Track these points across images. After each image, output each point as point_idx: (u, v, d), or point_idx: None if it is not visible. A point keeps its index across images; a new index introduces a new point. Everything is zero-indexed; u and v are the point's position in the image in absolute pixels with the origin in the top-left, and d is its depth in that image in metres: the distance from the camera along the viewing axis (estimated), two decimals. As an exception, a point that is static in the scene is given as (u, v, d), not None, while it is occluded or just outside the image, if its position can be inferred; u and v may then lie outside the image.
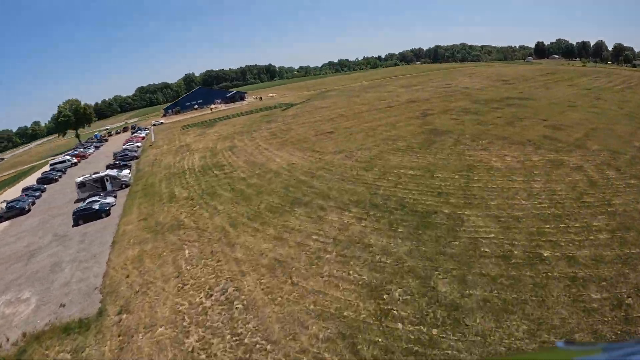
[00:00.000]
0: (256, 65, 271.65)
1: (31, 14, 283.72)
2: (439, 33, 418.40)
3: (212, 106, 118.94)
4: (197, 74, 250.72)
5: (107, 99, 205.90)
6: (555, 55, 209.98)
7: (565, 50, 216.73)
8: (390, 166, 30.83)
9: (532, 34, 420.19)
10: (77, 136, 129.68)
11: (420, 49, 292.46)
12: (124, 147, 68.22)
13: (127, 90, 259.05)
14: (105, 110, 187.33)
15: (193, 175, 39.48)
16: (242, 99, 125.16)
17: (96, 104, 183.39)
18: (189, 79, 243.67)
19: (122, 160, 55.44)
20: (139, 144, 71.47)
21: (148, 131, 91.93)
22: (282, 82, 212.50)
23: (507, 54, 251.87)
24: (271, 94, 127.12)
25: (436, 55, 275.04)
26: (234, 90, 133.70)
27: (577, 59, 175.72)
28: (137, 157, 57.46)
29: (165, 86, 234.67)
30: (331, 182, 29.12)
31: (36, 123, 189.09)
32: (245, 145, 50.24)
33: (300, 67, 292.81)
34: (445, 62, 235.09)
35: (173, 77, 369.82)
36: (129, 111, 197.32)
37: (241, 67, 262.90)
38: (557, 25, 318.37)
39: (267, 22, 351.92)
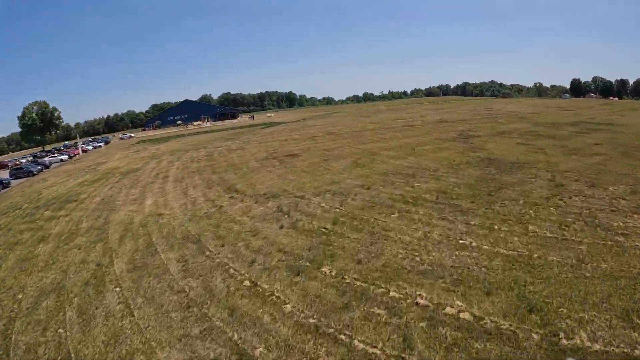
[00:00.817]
0: (276, 91, 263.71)
1: (52, 25, 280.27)
2: (467, 71, 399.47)
3: (197, 122, 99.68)
4: (214, 96, 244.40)
5: (119, 113, 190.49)
6: (592, 94, 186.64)
7: (603, 88, 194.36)
8: (394, 266, 9.88)
9: (564, 73, 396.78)
10: (42, 143, 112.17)
11: (447, 86, 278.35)
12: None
13: (143, 106, 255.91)
14: (116, 124, 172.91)
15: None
16: (233, 117, 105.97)
17: (107, 117, 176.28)
18: (205, 100, 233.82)
19: (15, 175, 43.23)
20: (64, 157, 58.46)
21: (99, 144, 73.87)
22: (299, 108, 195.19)
23: (540, 92, 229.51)
24: (270, 114, 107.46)
25: (464, 91, 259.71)
26: (225, 107, 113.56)
27: (616, 97, 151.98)
28: (33, 174, 43.85)
29: (183, 104, 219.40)
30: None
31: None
32: (155, 170, 30.18)
33: (323, 98, 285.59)
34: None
35: (190, 96, 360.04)
36: (139, 127, 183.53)
37: (261, 92, 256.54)
38: (592, 63, 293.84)
39: (290, 51, 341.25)
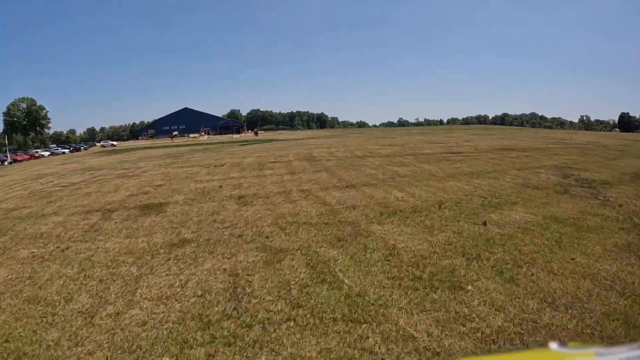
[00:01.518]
0: (307, 112, 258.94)
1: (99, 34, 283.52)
2: (506, 102, 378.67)
3: (193, 135, 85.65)
4: (243, 112, 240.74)
5: (145, 121, 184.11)
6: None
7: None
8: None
9: (606, 107, 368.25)
10: (24, 144, 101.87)
11: (485, 116, 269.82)
12: None
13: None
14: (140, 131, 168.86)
15: None
16: (237, 131, 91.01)
17: (133, 124, 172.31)
18: (233, 115, 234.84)
19: None
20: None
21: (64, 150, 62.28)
22: (328, 130, 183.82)
23: (587, 125, 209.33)
24: (281, 131, 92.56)
25: (503, 123, 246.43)
26: (228, 120, 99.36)
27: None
28: None
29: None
30: None
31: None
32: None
33: (356, 122, 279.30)
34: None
35: (218, 110, 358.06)
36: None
37: (291, 111, 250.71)
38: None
39: (324, 73, 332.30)
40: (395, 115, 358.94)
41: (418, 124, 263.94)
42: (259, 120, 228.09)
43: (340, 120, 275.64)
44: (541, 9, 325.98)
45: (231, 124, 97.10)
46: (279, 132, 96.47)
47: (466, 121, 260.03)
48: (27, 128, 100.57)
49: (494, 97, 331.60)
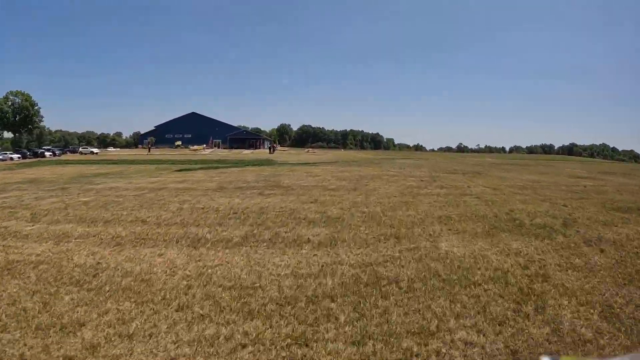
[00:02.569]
0: (361, 131, 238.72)
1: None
2: (574, 130, 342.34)
3: (195, 147, 67.91)
4: (294, 127, 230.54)
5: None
6: None
7: None
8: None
9: None
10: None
11: (551, 145, 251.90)
12: None
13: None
14: (141, 138, 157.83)
15: None
16: (252, 145, 71.92)
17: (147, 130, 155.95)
18: (283, 130, 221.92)
19: None
20: None
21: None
22: (382, 152, 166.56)
23: None
24: (313, 150, 73.49)
25: (571, 153, 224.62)
26: (242, 130, 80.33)
27: None
28: None
29: (256, 131, 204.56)
30: None
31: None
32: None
33: (413, 145, 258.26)
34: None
35: (267, 124, 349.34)
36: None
37: (344, 130, 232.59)
38: None
39: (382, 93, 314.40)
40: (454, 139, 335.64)
41: (479, 150, 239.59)
42: (310, 137, 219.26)
43: (396, 142, 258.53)
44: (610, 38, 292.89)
45: (247, 135, 78.60)
46: (307, 149, 75.98)
47: (531, 150, 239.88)
48: (15, 125, 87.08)
49: (560, 125, 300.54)
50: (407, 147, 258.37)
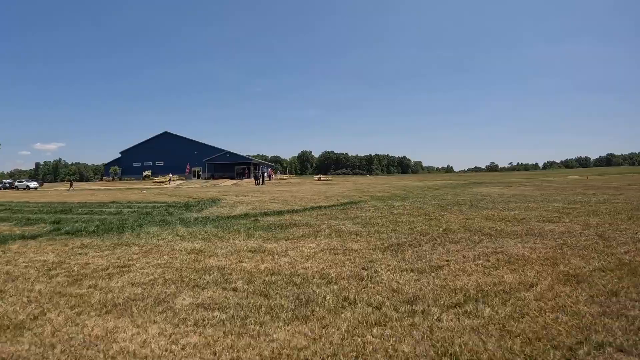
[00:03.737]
0: (387, 155, 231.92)
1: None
2: (610, 140, 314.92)
3: (160, 178, 49.55)
4: (315, 154, 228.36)
5: None
6: None
7: None
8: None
9: None
10: None
11: (586, 158, 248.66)
12: None
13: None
14: (106, 167, 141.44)
15: None
16: (242, 173, 51.91)
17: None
18: (304, 158, 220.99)
19: None
20: None
21: None
22: (409, 176, 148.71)
23: None
24: (326, 178, 52.81)
25: (609, 164, 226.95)
26: (226, 152, 58.93)
27: None
28: None
29: (276, 160, 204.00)
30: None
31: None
32: None
33: (442, 167, 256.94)
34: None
35: (287, 151, 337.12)
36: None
37: (369, 154, 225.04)
38: None
39: (406, 115, 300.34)
40: (484, 159, 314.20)
41: (512, 168, 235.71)
42: (332, 164, 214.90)
43: (424, 164, 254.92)
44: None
45: (231, 160, 58.18)
46: (318, 177, 55.09)
47: (566, 164, 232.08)
48: None
49: (594, 139, 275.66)
50: (436, 169, 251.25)
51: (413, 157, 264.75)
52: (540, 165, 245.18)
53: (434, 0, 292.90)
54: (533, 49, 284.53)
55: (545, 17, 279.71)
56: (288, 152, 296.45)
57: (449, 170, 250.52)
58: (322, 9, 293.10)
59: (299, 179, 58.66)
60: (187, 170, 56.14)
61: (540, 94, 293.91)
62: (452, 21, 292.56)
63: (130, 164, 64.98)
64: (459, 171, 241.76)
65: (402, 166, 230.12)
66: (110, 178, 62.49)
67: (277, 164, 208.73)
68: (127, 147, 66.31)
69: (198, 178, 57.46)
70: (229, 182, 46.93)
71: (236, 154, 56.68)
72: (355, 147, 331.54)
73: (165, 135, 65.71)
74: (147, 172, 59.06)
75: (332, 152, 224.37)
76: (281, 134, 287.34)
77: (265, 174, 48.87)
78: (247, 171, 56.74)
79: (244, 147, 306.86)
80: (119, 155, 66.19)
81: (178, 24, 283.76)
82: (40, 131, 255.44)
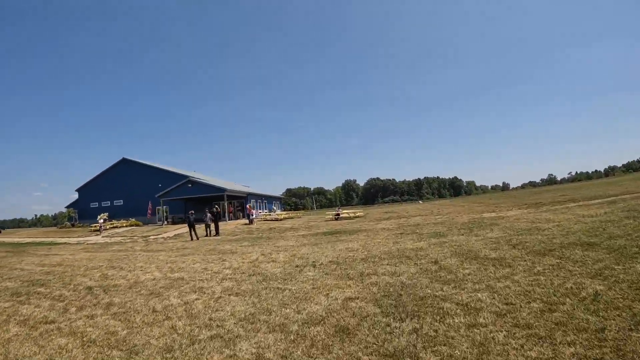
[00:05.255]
0: (437, 177, 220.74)
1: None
2: None
3: (101, 224, 33.71)
4: (360, 182, 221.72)
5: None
6: None
7: None
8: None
9: None
10: None
11: None
12: None
13: (279, 189, 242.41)
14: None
15: None
16: (216, 214, 35.51)
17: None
18: (348, 187, 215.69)
19: None
20: None
21: None
22: (461, 198, 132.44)
23: None
24: (353, 211, 34.51)
25: None
26: (206, 185, 41.88)
27: None
28: None
29: (319, 192, 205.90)
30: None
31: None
32: None
33: (495, 185, 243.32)
34: None
35: (330, 182, 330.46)
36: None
37: (417, 178, 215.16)
38: None
39: (454, 132, 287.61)
40: (540, 171, 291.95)
41: (574, 179, 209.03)
42: (379, 192, 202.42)
43: (477, 184, 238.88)
44: None
45: (199, 192, 40.60)
46: (338, 209, 36.37)
47: (628, 166, 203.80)
48: None
49: None
50: (491, 188, 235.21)
51: (464, 177, 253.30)
52: (602, 170, 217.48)
53: (468, 18, 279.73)
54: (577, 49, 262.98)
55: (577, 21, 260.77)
56: (332, 183, 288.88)
57: (504, 188, 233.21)
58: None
59: (307, 216, 41.12)
60: (149, 211, 40.69)
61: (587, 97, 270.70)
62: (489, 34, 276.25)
63: (88, 205, 50.18)
64: (513, 188, 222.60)
65: (454, 188, 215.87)
66: (70, 224, 48.37)
67: (321, 196, 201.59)
68: (85, 183, 51.27)
69: (165, 221, 41.77)
70: (189, 230, 30.13)
71: (203, 183, 39.61)
72: (402, 172, 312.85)
73: (123, 163, 49.78)
74: (102, 216, 44.25)
75: (377, 178, 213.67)
76: (325, 165, 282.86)
77: (253, 212, 32.10)
78: (214, 208, 40.48)
79: (287, 181, 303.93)
80: (75, 192, 50.77)
81: (197, 67, 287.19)
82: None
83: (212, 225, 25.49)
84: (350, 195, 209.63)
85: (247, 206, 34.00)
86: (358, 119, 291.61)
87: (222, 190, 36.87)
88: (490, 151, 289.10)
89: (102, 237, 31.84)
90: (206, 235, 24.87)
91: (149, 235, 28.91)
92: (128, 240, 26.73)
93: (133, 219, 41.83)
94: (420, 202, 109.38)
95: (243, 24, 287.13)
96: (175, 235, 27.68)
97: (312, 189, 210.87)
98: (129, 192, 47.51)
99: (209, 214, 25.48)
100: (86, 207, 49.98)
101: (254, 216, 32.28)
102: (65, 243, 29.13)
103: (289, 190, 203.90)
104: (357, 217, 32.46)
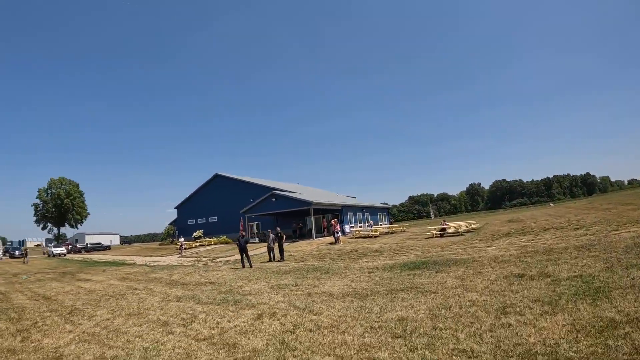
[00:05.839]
0: (568, 175, 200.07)
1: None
2: None
3: (181, 241, 33.42)
4: (485, 185, 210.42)
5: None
6: None
7: None
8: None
9: None
10: (57, 237, 76.08)
11: None
12: None
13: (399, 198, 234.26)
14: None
15: None
16: (296, 230, 31.91)
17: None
18: (472, 191, 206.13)
19: None
20: None
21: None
22: (607, 198, 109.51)
23: None
24: (465, 223, 29.06)
25: None
26: (292, 199, 35.14)
27: None
28: None
29: (442, 197, 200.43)
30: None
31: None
32: None
33: (633, 180, 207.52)
34: None
35: (453, 186, 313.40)
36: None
37: (546, 177, 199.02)
38: None
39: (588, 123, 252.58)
40: None
41: None
42: (506, 194, 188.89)
43: (612, 179, 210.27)
44: None
45: (284, 206, 34.85)
46: (441, 225, 28.94)
47: None
48: (58, 219, 71.29)
49: None
50: (628, 183, 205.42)
51: (597, 172, 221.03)
52: None
53: None
54: None
55: None
56: (455, 188, 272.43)
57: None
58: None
59: (412, 230, 34.50)
60: (241, 228, 38.49)
61: None
62: None
63: (185, 222, 50.58)
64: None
65: (587, 185, 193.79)
66: (170, 241, 49.40)
67: (444, 202, 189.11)
68: (182, 200, 51.95)
69: (256, 238, 39.04)
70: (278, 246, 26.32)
71: (286, 196, 34.92)
72: (530, 172, 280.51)
73: (217, 179, 48.74)
74: (197, 233, 43.76)
75: (503, 180, 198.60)
76: (447, 169, 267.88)
77: (339, 229, 27.13)
78: (299, 223, 36.64)
79: (410, 188, 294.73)
80: (174, 210, 52.32)
81: (320, 88, 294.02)
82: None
83: (277, 248, 20.99)
84: (475, 199, 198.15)
85: (332, 221, 28.84)
86: (482, 120, 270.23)
87: (308, 203, 32.44)
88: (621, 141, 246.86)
89: (179, 257, 29.94)
90: (269, 260, 20.43)
91: (218, 257, 25.77)
92: (189, 264, 23.90)
93: (224, 236, 40.13)
94: (551, 204, 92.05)
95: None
96: (237, 259, 24.03)
97: (435, 195, 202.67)
98: (222, 208, 46.23)
99: (271, 235, 21.03)
100: (184, 224, 50.55)
101: (339, 234, 27.02)
102: (132, 264, 27.93)
103: (411, 198, 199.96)
104: (470, 231, 24.99)
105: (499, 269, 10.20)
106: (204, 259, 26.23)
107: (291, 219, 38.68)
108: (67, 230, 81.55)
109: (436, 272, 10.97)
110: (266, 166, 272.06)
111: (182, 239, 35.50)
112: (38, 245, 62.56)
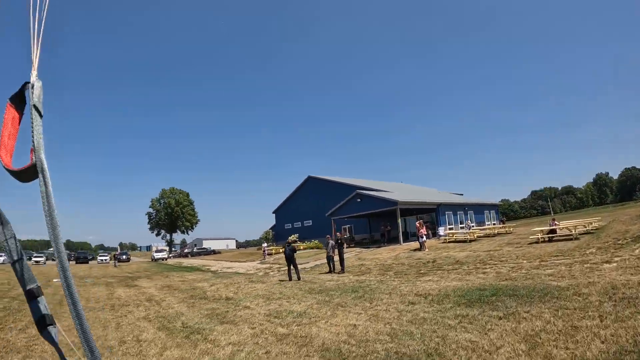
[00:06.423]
0: None
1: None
2: None
3: (265, 245, 34.18)
4: (614, 175, 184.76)
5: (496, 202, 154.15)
6: None
7: None
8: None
9: None
10: (170, 243, 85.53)
11: None
12: None
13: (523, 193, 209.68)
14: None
15: None
16: (336, 240, 33.22)
17: None
18: (600, 182, 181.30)
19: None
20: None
21: None
22: None
23: None
24: (583, 222, 22.49)
25: None
26: (384, 199, 31.59)
27: None
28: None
29: (567, 191, 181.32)
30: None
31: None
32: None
33: None
34: None
35: (581, 179, 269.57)
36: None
37: None
38: None
39: None
40: None
41: None
42: (638, 183, 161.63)
43: None
44: None
45: (371, 207, 31.83)
46: (550, 224, 22.96)
47: None
48: (170, 226, 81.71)
49: None
50: None
51: None
52: None
53: None
54: None
55: None
56: (582, 179, 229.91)
57: None
58: None
59: (521, 229, 28.75)
60: (334, 231, 36.82)
61: None
62: None
63: (282, 226, 50.59)
64: None
65: None
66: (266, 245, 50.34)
67: (569, 195, 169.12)
68: (279, 204, 52.22)
69: (347, 245, 36.74)
70: (394, 248, 24.00)
71: (371, 196, 31.95)
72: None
73: (310, 181, 47.75)
74: (292, 237, 43.30)
75: (633, 168, 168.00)
76: (571, 159, 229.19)
77: (423, 233, 23.73)
78: (389, 227, 32.10)
79: (531, 182, 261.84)
80: (272, 213, 53.08)
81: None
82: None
83: (337, 256, 18.47)
84: (604, 191, 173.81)
85: (417, 223, 25.12)
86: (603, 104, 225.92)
87: (393, 203, 29.05)
88: None
89: (259, 262, 29.41)
90: (328, 272, 18.05)
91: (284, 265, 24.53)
92: (256, 271, 23.04)
93: (315, 241, 38.84)
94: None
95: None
96: (311, 267, 22.08)
97: (559, 189, 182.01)
98: (316, 211, 44.54)
99: (330, 242, 18.61)
100: (281, 229, 50.80)
101: (424, 238, 23.33)
102: (207, 270, 28.27)
103: (533, 193, 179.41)
104: (589, 232, 19.34)
105: (614, 314, 6.00)
106: (276, 266, 25.07)
107: (384, 220, 35.54)
108: (186, 236, 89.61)
109: (499, 319, 6.76)
110: (390, 171, 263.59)
111: (265, 244, 35.35)
112: (162, 250, 71.91)
